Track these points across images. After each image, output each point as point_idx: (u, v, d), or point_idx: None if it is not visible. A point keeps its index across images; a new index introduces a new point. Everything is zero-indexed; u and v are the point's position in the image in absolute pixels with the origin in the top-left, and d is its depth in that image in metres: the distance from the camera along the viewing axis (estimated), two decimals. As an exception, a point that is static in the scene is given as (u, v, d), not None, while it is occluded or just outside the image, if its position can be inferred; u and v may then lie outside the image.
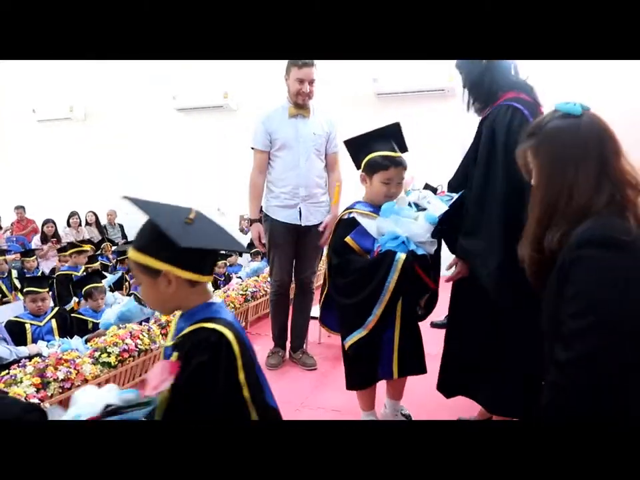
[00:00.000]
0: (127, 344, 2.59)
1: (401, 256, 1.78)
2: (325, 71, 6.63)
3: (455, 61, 1.94)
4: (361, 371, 2.05)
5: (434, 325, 3.61)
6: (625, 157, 1.17)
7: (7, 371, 2.25)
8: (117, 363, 2.53)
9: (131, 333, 2.71)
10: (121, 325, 2.82)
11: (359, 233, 1.92)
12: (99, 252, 5.99)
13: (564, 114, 1.20)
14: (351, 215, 1.97)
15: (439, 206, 1.84)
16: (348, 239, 1.92)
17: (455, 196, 1.89)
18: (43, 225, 6.95)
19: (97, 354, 2.49)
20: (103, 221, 7.87)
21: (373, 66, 6.17)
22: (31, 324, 3.37)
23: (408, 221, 1.84)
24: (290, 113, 2.94)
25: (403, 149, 2.03)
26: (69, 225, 7.06)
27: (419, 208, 1.92)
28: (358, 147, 2.02)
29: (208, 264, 1.17)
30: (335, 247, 1.98)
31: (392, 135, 1.99)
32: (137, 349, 2.67)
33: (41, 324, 3.37)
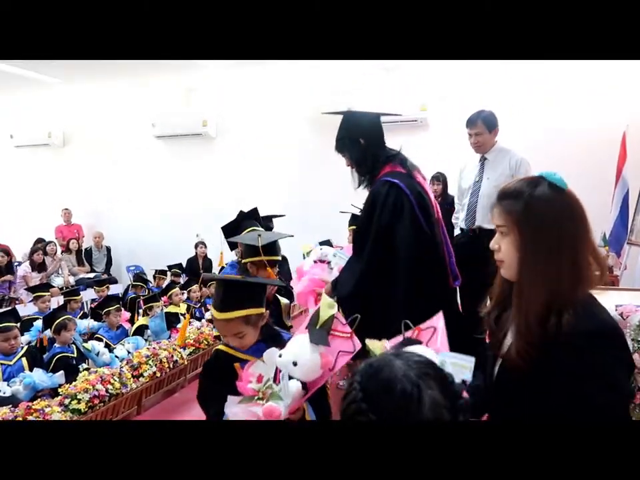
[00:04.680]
0: (97, 390, 2.58)
1: None
2: (300, 101, 6.78)
3: (338, 143, 2.15)
4: None
5: None
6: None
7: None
8: (87, 409, 2.52)
9: (102, 377, 2.70)
10: (91, 370, 2.81)
11: None
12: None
13: (550, 184, 1.11)
14: None
15: None
16: None
17: None
18: (31, 254, 6.78)
19: (66, 401, 2.48)
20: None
21: (349, 97, 6.28)
22: (1, 363, 3.33)
23: None
24: None
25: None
26: (45, 253, 6.96)
27: None
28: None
29: None
30: None
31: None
32: (108, 394, 2.66)
33: (11, 363, 3.32)
